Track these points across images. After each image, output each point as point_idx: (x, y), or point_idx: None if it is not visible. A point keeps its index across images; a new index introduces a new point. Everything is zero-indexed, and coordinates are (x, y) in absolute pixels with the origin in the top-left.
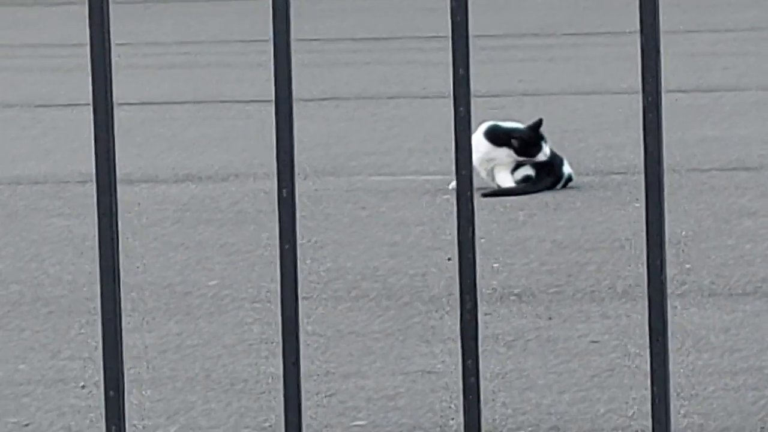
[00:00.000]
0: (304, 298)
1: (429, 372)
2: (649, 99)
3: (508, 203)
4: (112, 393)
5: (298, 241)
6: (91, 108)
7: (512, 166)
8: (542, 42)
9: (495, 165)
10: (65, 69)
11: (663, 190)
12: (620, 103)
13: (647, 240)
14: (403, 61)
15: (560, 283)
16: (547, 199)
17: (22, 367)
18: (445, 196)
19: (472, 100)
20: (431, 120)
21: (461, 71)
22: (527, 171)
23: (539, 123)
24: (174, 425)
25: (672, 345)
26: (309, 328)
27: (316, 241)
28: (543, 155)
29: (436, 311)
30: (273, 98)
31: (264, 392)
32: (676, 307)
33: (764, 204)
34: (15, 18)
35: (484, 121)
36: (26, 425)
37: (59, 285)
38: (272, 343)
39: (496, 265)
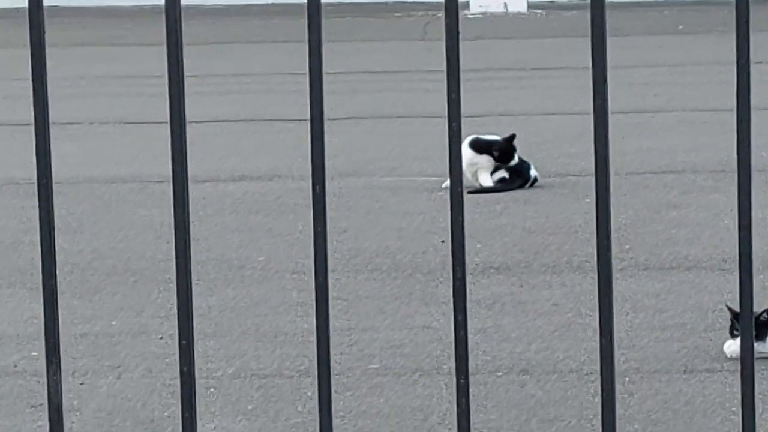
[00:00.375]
0: (331, 270)
1: (428, 327)
2: (599, 118)
3: (488, 198)
4: (184, 342)
5: (327, 226)
6: (168, 125)
7: (491, 169)
8: (515, 74)
9: (478, 169)
10: (148, 94)
11: (608, 188)
12: (575, 121)
13: (597, 226)
14: (408, 89)
15: (529, 259)
16: (518, 196)
17: (114, 323)
18: (440, 193)
19: (462, 119)
20: (430, 134)
21: (453, 96)
22: (503, 174)
23: (512, 136)
24: (231, 368)
25: (614, 308)
26: (335, 293)
27: (340, 227)
28: (515, 161)
29: (433, 281)
30: (309, 117)
31: (300, 342)
32: (617, 278)
33: (686, 199)
34: (109, 54)
35: (470, 134)
36: (118, 367)
37: (143, 260)
38: (307, 304)
39: (479, 245)
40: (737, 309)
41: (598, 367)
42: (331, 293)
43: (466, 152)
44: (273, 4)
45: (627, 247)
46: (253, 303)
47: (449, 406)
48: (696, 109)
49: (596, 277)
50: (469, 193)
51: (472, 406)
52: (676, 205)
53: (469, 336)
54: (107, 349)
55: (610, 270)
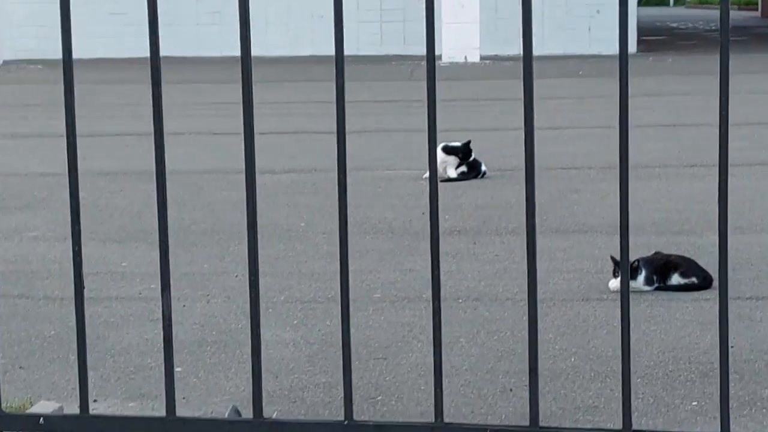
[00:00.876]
0: (350, 232)
1: (412, 270)
2: (527, 132)
3: (454, 185)
4: (252, 278)
5: (347, 203)
6: (243, 135)
7: (456, 165)
8: (472, 103)
9: (447, 165)
10: (228, 115)
11: (533, 179)
12: (512, 134)
13: (526, 204)
14: (400, 112)
15: (479, 225)
16: (473, 184)
17: (205, 266)
18: (421, 181)
19: (436, 132)
20: (415, 142)
21: (431, 116)
22: (463, 168)
23: (469, 142)
24: (282, 296)
25: (536, 257)
26: (351, 247)
27: (355, 204)
28: (471, 159)
29: (416, 239)
30: (336, 131)
31: (329, 279)
32: (538, 238)
33: (584, 186)
34: (206, 89)
35: (441, 142)
36: (207, 295)
37: (224, 224)
38: (333, 255)
39: (447, 216)
40: (617, 258)
41: (526, 297)
42: (349, 247)
43: (439, 154)
44: (311, 56)
45: (544, 217)
46: (296, 254)
47: (427, 322)
48: (591, 126)
49: (525, 237)
50: (441, 181)
51: (442, 322)
52: (577, 190)
53: (442, 275)
54: (200, 283)
55: (534, 233)
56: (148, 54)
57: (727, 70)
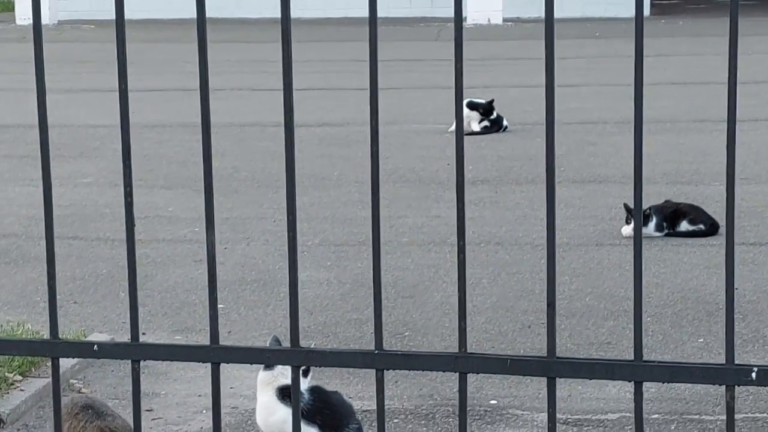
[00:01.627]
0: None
1: (438, 216)
2: (548, 88)
3: (477, 138)
4: (290, 217)
5: (378, 154)
6: (282, 91)
7: (479, 120)
8: (494, 62)
9: (471, 120)
10: (270, 73)
11: (553, 133)
12: (533, 91)
13: (546, 155)
14: (427, 71)
15: (501, 175)
16: (495, 137)
17: (245, 210)
18: (447, 135)
19: (463, 89)
20: (442, 98)
21: (459, 75)
22: (486, 123)
23: (492, 100)
24: (317, 239)
25: (555, 205)
26: (381, 195)
27: (385, 155)
28: (494, 116)
29: (442, 188)
30: (369, 88)
31: (360, 224)
32: (556, 188)
33: (599, 139)
34: (247, 48)
35: (467, 98)
36: (247, 238)
37: (263, 173)
38: (364, 202)
39: (470, 167)
40: (630, 206)
41: (544, 242)
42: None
43: (464, 109)
44: (345, 17)
45: (562, 168)
46: (330, 201)
47: (452, 264)
48: (606, 83)
49: (545, 187)
50: (465, 134)
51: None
52: (593, 143)
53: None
54: (241, 227)
55: (554, 182)
56: (193, 15)
57: (736, 31)
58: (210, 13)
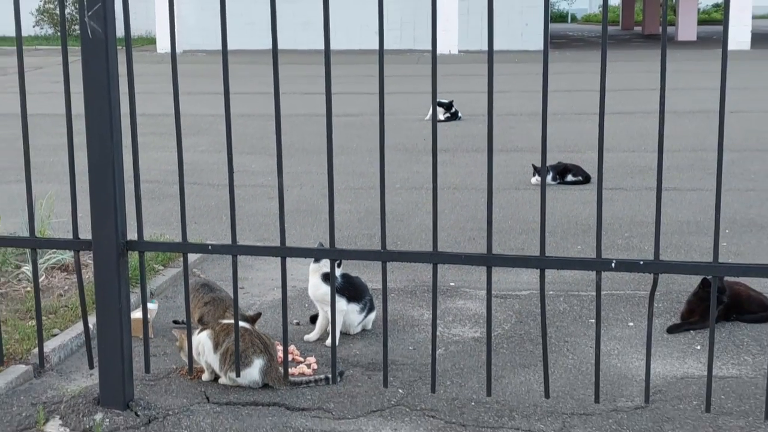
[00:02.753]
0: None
1: (418, 173)
2: (489, 93)
3: (443, 124)
4: (330, 180)
5: (384, 135)
6: (324, 100)
7: (443, 113)
8: (454, 77)
9: (439, 112)
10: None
11: (492, 117)
12: (479, 96)
13: (488, 133)
14: (408, 85)
15: (457, 145)
16: (454, 123)
17: (298, 167)
18: (424, 121)
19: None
20: (421, 100)
21: (433, 84)
22: (448, 114)
23: (452, 101)
24: (343, 185)
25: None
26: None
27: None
28: (453, 110)
29: (423, 155)
30: (378, 92)
31: (370, 176)
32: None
33: (518, 125)
34: (308, 70)
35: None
36: (300, 184)
37: (310, 143)
38: (372, 161)
39: (438, 142)
40: (537, 165)
41: (485, 187)
42: (384, 159)
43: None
44: (359, 50)
45: (495, 142)
46: (351, 162)
47: (426, 201)
48: (523, 90)
49: (485, 154)
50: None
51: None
52: (512, 127)
53: (429, 168)
54: (296, 178)
55: (491, 151)
56: (267, 47)
57: (605, 57)
58: (282, 45)
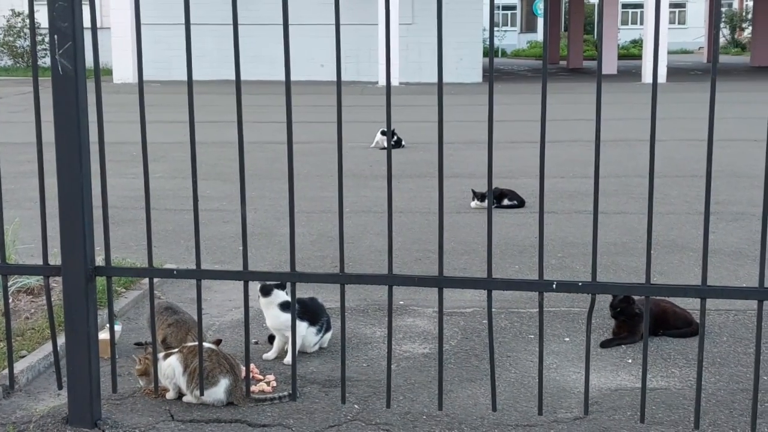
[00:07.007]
0: (331, 176)
1: (366, 196)
2: (439, 123)
3: (387, 152)
4: (290, 203)
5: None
6: (336, 125)
7: (384, 140)
8: (397, 108)
9: (382, 140)
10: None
11: (442, 147)
12: (421, 125)
13: (438, 157)
14: (357, 115)
15: (401, 172)
16: (398, 151)
17: (253, 193)
18: (370, 148)
19: (378, 123)
20: (369, 130)
21: (388, 113)
22: (392, 142)
23: (394, 129)
24: (370, 169)
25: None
26: (333, 184)
27: (332, 160)
28: (395, 138)
29: (367, 179)
30: (336, 121)
31: (321, 200)
32: (432, 179)
33: (456, 153)
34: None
35: (379, 129)
36: (255, 209)
37: (264, 169)
38: (324, 186)
39: (381, 168)
40: (476, 190)
41: (429, 210)
42: (343, 184)
43: (378, 135)
44: (317, 80)
45: (433, 169)
46: (303, 187)
47: (375, 223)
48: (458, 120)
49: (427, 179)
50: (380, 149)
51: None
52: (451, 155)
53: (376, 193)
54: (251, 203)
55: (442, 179)
56: (228, 78)
57: (545, 87)
58: (232, 76)
